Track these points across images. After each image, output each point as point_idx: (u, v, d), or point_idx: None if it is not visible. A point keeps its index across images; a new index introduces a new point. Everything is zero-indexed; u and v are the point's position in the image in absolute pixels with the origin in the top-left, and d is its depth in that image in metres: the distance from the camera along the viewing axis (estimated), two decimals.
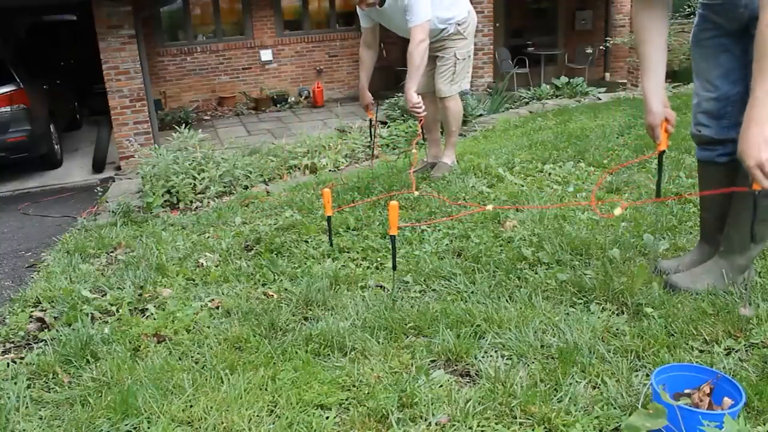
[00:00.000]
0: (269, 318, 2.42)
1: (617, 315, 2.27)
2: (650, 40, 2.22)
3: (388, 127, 7.10)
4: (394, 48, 9.12)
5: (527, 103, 8.70)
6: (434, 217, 3.46)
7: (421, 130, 4.18)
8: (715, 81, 2.23)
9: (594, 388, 1.88)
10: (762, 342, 2.01)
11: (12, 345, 2.55)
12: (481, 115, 7.58)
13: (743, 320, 2.11)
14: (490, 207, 2.81)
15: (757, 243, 2.17)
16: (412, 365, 2.04)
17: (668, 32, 2.30)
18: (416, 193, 3.53)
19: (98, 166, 7.37)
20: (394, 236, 2.50)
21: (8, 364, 2.31)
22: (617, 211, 2.15)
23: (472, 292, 2.49)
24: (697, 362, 1.91)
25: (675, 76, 10.31)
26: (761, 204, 1.92)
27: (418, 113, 3.83)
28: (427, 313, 2.34)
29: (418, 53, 3.73)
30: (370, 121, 4.44)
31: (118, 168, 7.36)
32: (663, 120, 2.24)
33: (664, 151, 2.30)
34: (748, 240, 2.15)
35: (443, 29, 3.99)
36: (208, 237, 3.61)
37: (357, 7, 3.96)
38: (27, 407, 2.00)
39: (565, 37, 12.10)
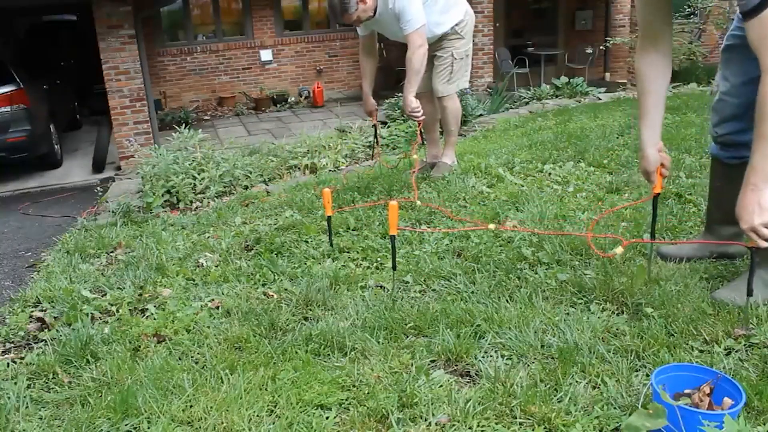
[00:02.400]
0: (269, 318, 2.42)
1: (617, 315, 2.27)
2: (651, 90, 2.32)
3: (388, 127, 7.10)
4: (393, 48, 9.12)
5: (527, 103, 8.69)
6: (434, 217, 3.45)
7: (420, 134, 4.18)
8: (739, 87, 2.27)
9: (594, 388, 1.88)
10: (762, 342, 2.01)
11: (12, 345, 2.55)
12: (481, 115, 7.58)
13: (743, 320, 2.11)
14: (492, 226, 2.84)
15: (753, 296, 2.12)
16: (412, 365, 2.04)
17: (669, 80, 2.41)
18: (418, 202, 3.52)
19: (98, 166, 7.36)
20: (394, 236, 2.50)
21: (8, 364, 2.31)
22: (618, 251, 2.28)
23: (472, 292, 2.49)
24: (697, 362, 1.91)
25: (675, 76, 10.30)
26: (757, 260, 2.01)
27: (417, 117, 3.86)
28: (427, 313, 2.34)
29: (417, 58, 3.73)
30: (375, 126, 4.47)
31: (118, 168, 7.36)
32: (658, 165, 2.34)
33: (659, 194, 2.38)
34: None
35: (442, 34, 4.00)
36: (208, 237, 3.61)
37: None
38: (27, 407, 2.00)
39: (565, 37, 12.10)
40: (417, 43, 3.73)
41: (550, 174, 4.20)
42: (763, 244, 1.88)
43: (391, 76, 9.97)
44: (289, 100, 10.95)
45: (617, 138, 5.19)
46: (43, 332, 2.59)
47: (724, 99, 2.37)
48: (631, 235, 2.91)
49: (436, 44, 4.04)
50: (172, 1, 9.93)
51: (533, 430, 1.71)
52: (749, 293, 2.08)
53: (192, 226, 3.89)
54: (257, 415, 1.85)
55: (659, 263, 2.60)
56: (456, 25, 4.01)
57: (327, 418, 1.81)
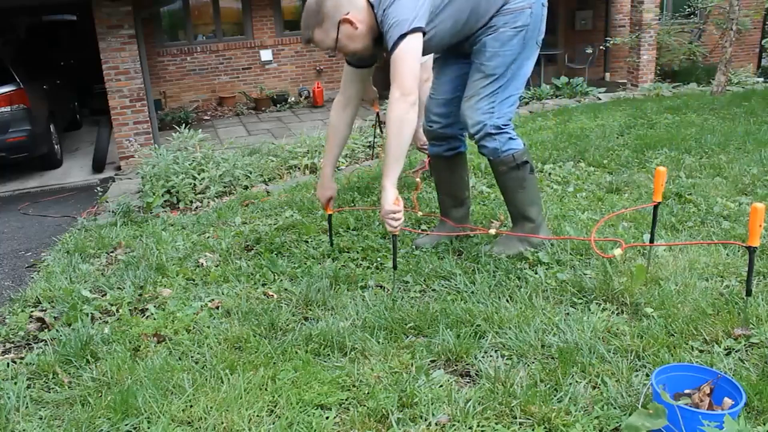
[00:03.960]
0: (269, 318, 2.42)
1: (617, 315, 2.27)
2: (335, 138, 2.94)
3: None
4: None
5: (527, 103, 8.70)
6: (434, 217, 3.45)
7: (427, 164, 4.18)
8: (443, 86, 2.84)
9: (594, 388, 1.88)
10: (762, 342, 2.01)
11: (12, 345, 2.55)
12: None
13: (743, 320, 2.11)
14: (492, 231, 2.86)
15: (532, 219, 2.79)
16: (412, 365, 2.04)
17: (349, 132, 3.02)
18: (420, 213, 3.51)
19: (98, 166, 7.36)
20: (396, 235, 2.50)
21: (8, 364, 2.31)
22: (617, 252, 2.32)
23: (472, 292, 2.49)
24: (697, 362, 1.91)
25: (675, 75, 10.31)
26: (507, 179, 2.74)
27: (427, 151, 3.89)
28: (427, 313, 2.34)
29: (424, 92, 3.65)
30: (377, 126, 4.46)
31: (118, 168, 7.36)
32: (331, 194, 2.95)
33: (659, 203, 2.40)
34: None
35: None
36: (208, 237, 3.61)
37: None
38: (27, 407, 2.00)
39: (565, 37, 12.09)
40: (423, 76, 3.66)
41: (550, 174, 4.20)
42: (390, 229, 2.43)
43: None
44: (289, 100, 10.95)
45: (617, 138, 5.19)
46: (43, 332, 2.59)
47: (432, 97, 2.89)
48: (632, 237, 2.91)
49: None
50: (173, 1, 9.93)
51: (533, 430, 1.71)
52: (749, 293, 2.08)
53: (192, 226, 3.89)
54: (257, 415, 1.85)
55: (658, 263, 2.60)
56: None
57: (327, 418, 1.81)
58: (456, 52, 2.75)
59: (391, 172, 2.41)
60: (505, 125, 2.66)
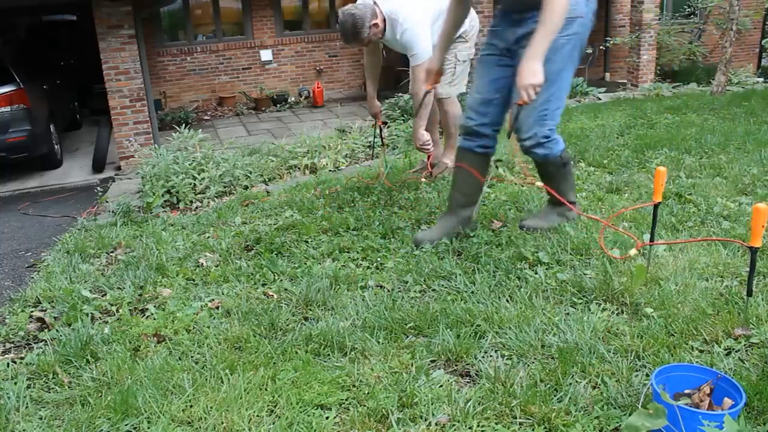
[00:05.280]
0: (269, 318, 2.42)
1: (617, 315, 2.27)
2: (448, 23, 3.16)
3: (388, 127, 7.10)
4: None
5: None
6: (434, 217, 3.45)
7: (429, 165, 4.19)
8: (485, 85, 2.95)
9: (594, 388, 1.88)
10: (762, 342, 2.01)
11: (12, 345, 2.55)
12: None
13: (743, 320, 2.11)
14: (539, 183, 2.97)
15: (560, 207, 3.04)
16: (412, 365, 2.04)
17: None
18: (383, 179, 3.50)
19: (98, 166, 7.35)
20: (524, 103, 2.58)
21: (8, 364, 2.31)
22: (632, 252, 2.41)
23: (472, 292, 2.49)
24: (697, 362, 1.91)
25: (675, 75, 10.30)
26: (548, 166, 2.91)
27: (427, 151, 3.90)
28: (427, 313, 2.34)
29: (423, 92, 3.71)
30: (380, 127, 4.51)
31: (118, 168, 7.35)
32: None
33: (659, 203, 2.42)
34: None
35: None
36: (208, 237, 3.61)
37: None
38: (27, 407, 2.00)
39: None
40: (422, 77, 3.70)
41: None
42: (525, 99, 2.53)
43: (391, 75, 9.97)
44: (289, 100, 10.95)
45: (617, 138, 5.19)
46: (43, 332, 2.59)
47: (473, 95, 3.01)
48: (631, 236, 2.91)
49: None
50: (173, 1, 9.92)
51: (533, 430, 1.71)
52: (750, 293, 2.08)
53: (192, 226, 3.89)
54: (257, 415, 1.85)
55: (658, 263, 2.60)
56: (463, 32, 4.03)
57: (327, 418, 1.81)
58: (507, 38, 2.84)
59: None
60: (552, 132, 2.83)
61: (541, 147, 2.84)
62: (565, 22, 2.58)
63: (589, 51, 11.02)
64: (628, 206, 3.37)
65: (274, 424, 1.81)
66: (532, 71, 2.50)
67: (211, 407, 1.89)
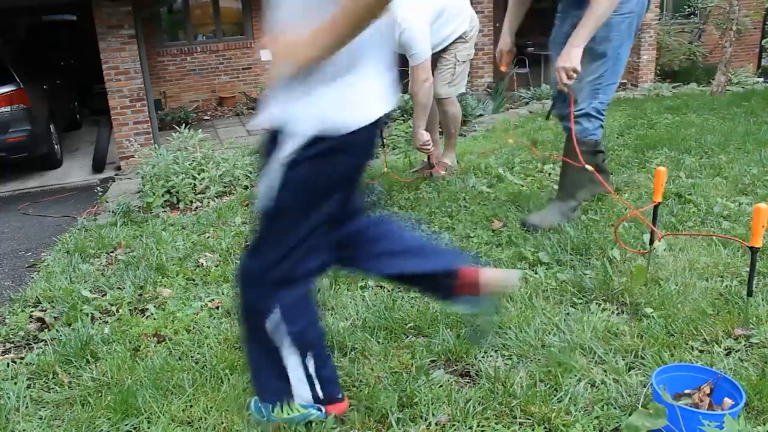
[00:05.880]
0: None
1: (617, 315, 2.27)
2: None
3: (388, 126, 7.10)
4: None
5: (527, 103, 8.69)
6: (434, 217, 3.45)
7: (429, 165, 4.18)
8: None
9: (594, 388, 1.88)
10: (762, 342, 2.01)
11: (12, 345, 2.55)
12: (481, 115, 7.57)
13: (743, 320, 2.11)
14: (589, 167, 2.83)
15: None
16: (412, 365, 2.04)
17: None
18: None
19: (98, 166, 7.35)
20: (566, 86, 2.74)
21: (8, 364, 2.31)
22: (657, 244, 2.42)
23: None
24: (697, 362, 1.91)
25: (675, 76, 10.30)
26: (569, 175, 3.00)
27: (427, 151, 3.89)
28: (427, 313, 2.34)
29: (423, 93, 3.69)
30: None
31: (118, 168, 7.35)
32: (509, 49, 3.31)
33: (659, 203, 2.42)
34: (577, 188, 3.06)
35: (449, 44, 4.01)
36: (208, 237, 3.61)
37: None
38: (27, 407, 2.00)
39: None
40: (421, 77, 3.69)
41: (550, 174, 4.20)
42: (562, 82, 2.68)
43: None
44: None
45: (617, 138, 5.19)
46: (43, 332, 2.59)
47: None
48: (632, 237, 2.91)
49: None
50: (173, 1, 9.92)
51: (533, 430, 1.71)
52: (750, 293, 2.08)
53: (192, 226, 3.89)
54: None
55: (658, 263, 2.60)
56: (463, 33, 4.04)
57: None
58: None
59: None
60: (603, 110, 2.89)
61: (586, 119, 2.90)
62: (623, 0, 2.68)
63: None
64: (634, 208, 3.37)
65: None
66: (568, 55, 2.62)
67: (211, 407, 1.89)
